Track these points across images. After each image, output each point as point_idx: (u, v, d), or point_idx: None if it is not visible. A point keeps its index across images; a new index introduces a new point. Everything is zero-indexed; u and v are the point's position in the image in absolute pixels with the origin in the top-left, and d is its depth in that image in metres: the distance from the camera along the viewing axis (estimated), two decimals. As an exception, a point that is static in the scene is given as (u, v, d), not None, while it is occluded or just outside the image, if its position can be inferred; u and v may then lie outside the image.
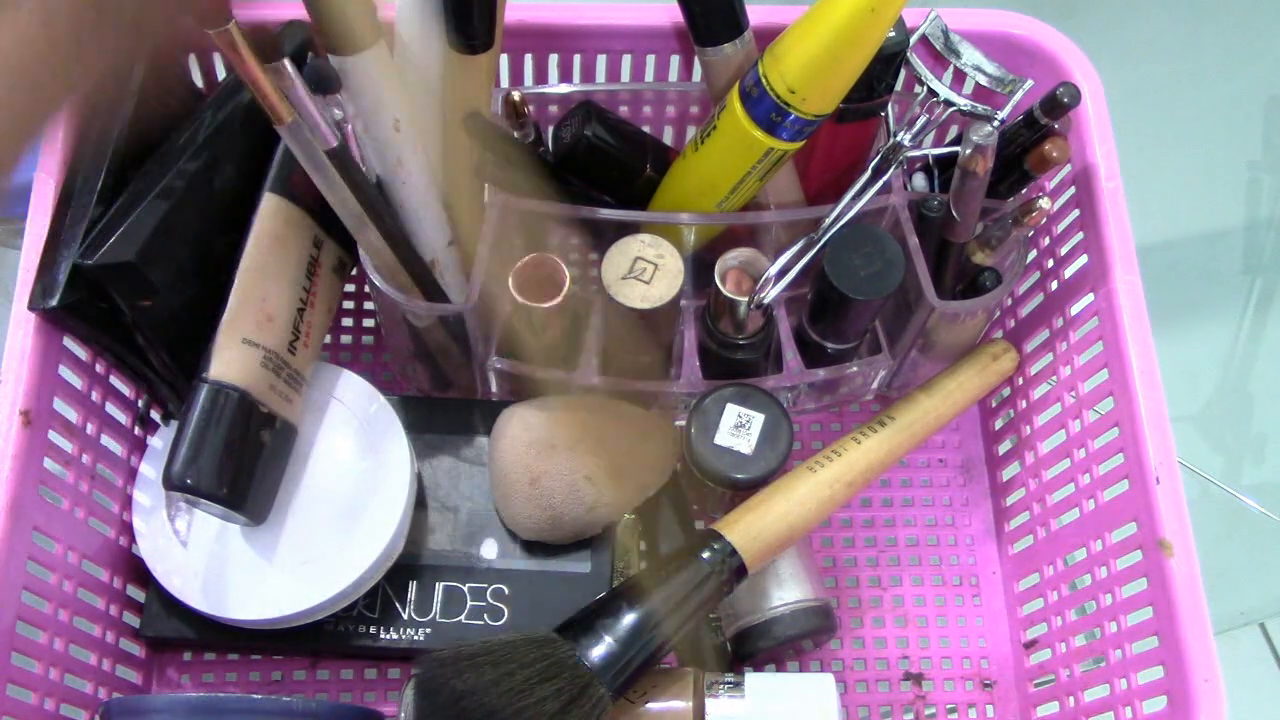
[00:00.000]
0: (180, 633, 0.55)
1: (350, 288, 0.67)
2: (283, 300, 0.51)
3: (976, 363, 0.61)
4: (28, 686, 0.48)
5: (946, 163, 0.57)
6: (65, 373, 0.51)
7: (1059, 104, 0.52)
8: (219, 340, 0.49)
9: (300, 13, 0.45)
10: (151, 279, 0.49)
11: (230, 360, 0.49)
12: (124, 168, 0.51)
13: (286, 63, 0.42)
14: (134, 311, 0.50)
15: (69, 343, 0.52)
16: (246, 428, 0.49)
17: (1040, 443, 0.60)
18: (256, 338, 0.49)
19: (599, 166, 0.56)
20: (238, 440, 0.48)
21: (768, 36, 0.49)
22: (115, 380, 0.55)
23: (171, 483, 0.48)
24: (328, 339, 0.66)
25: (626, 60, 0.58)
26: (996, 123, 0.54)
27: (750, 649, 0.56)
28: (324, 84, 0.46)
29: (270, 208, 0.52)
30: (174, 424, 0.55)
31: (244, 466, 0.49)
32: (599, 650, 0.46)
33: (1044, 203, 0.51)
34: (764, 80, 0.48)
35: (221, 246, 0.52)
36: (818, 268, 0.53)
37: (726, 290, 0.53)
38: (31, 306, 0.49)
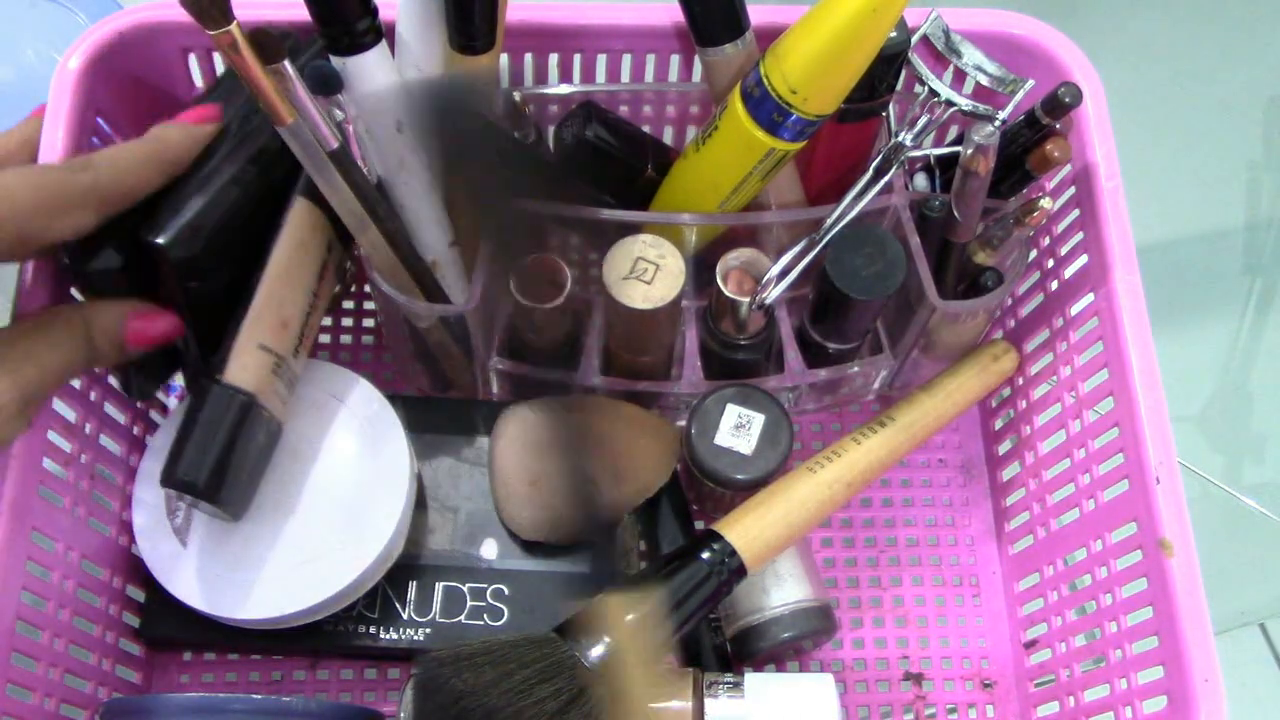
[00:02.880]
0: (180, 633, 0.55)
1: (350, 287, 0.67)
2: (297, 307, 0.51)
3: (977, 363, 0.61)
4: (27, 686, 0.48)
5: (948, 163, 0.57)
6: (65, 372, 0.51)
7: (1060, 104, 0.52)
8: (239, 344, 0.49)
9: (301, 13, 0.45)
10: (207, 265, 0.48)
11: (246, 365, 0.49)
12: None
13: (287, 64, 0.42)
14: (180, 292, 0.49)
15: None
16: (251, 431, 0.49)
17: (1040, 443, 0.60)
18: (271, 344, 0.50)
19: (600, 167, 0.56)
20: (240, 443, 0.48)
21: (769, 37, 0.49)
22: (115, 380, 0.55)
23: (174, 481, 0.48)
24: (328, 339, 0.66)
25: (626, 60, 0.58)
26: (998, 122, 0.54)
27: (750, 649, 0.56)
28: (326, 85, 0.46)
29: (300, 212, 0.51)
30: (171, 422, 0.55)
31: (243, 467, 0.49)
32: (599, 650, 0.46)
33: (1045, 202, 0.51)
34: (765, 80, 0.48)
35: (257, 236, 0.51)
36: (819, 268, 0.53)
37: (728, 291, 0.53)
38: (71, 265, 0.47)
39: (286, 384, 0.51)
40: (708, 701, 0.50)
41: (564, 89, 0.58)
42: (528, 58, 0.58)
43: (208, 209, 0.48)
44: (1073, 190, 0.56)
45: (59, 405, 0.50)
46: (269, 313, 0.50)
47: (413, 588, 0.56)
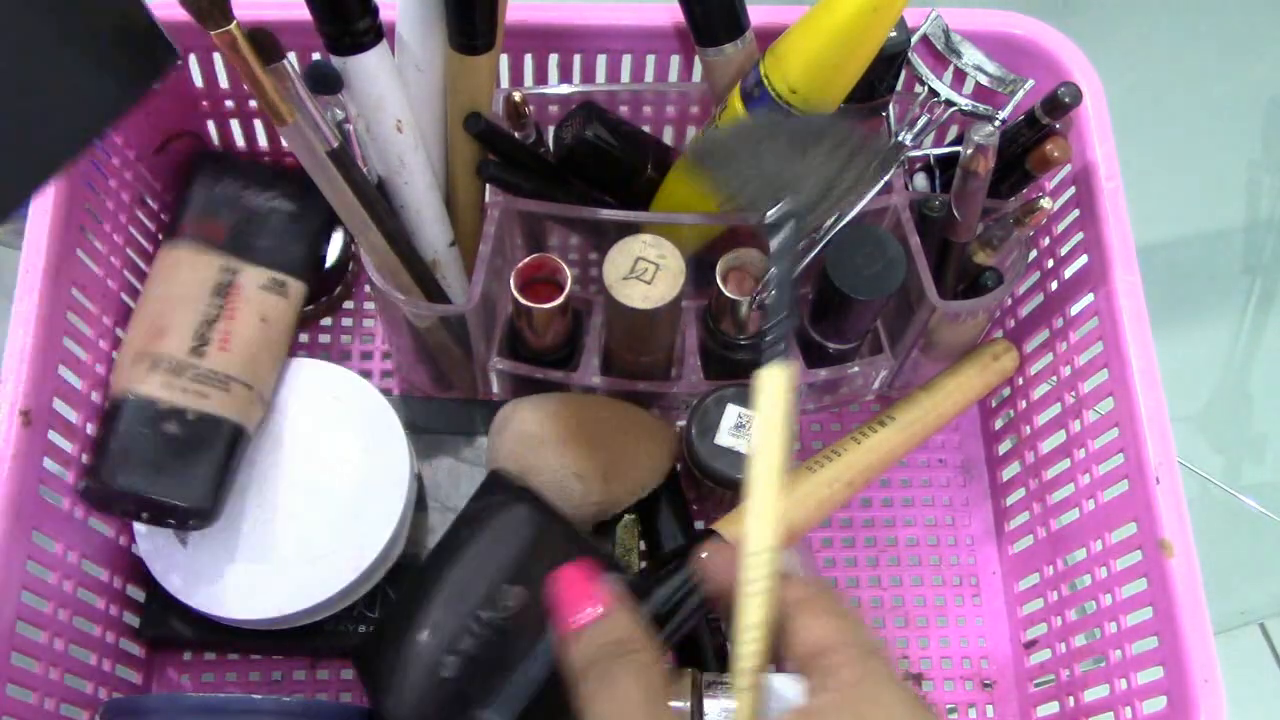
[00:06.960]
0: (180, 633, 0.55)
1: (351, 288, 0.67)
2: (174, 316, 0.54)
3: (977, 362, 0.61)
4: (28, 686, 0.48)
5: (948, 162, 0.57)
6: (65, 373, 0.51)
7: (1060, 104, 0.52)
8: (115, 365, 0.54)
9: (301, 13, 0.45)
10: None
11: (119, 375, 0.53)
12: None
13: (287, 64, 0.42)
14: None
15: (69, 343, 0.52)
16: (148, 424, 0.51)
17: (1040, 443, 0.60)
18: (149, 348, 0.52)
19: (600, 167, 0.56)
20: (140, 436, 0.51)
21: (769, 36, 0.49)
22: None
23: (85, 496, 0.51)
24: (328, 339, 0.66)
25: (626, 60, 0.58)
26: (998, 122, 0.54)
27: (750, 649, 0.56)
28: (326, 85, 0.46)
29: (160, 255, 0.57)
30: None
31: (159, 459, 0.50)
32: None
33: (1045, 203, 0.51)
34: (765, 80, 0.48)
35: None
36: (819, 268, 0.53)
37: (728, 290, 0.53)
38: None
39: (195, 379, 0.52)
40: (707, 701, 0.50)
41: (564, 89, 0.58)
42: (528, 58, 0.58)
43: None
44: (1073, 190, 0.56)
45: (59, 406, 0.50)
46: (139, 330, 0.54)
47: (413, 588, 0.56)
